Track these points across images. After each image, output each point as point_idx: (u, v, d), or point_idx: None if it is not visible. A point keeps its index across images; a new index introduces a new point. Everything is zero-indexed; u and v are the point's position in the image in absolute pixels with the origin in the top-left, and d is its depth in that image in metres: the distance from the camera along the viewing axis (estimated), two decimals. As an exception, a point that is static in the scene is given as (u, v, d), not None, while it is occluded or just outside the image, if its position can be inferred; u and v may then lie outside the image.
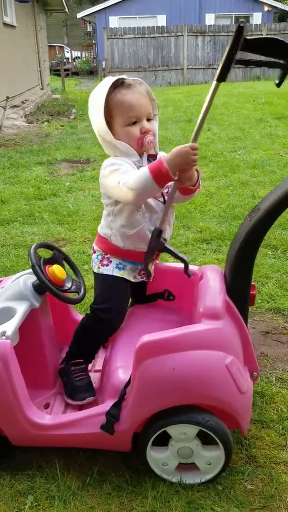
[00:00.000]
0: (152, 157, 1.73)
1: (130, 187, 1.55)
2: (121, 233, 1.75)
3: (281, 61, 1.46)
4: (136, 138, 1.66)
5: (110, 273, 1.80)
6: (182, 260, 1.72)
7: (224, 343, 1.52)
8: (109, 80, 1.65)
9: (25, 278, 1.74)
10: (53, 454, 1.76)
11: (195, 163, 1.52)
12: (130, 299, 2.15)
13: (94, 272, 1.87)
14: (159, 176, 1.51)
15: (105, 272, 1.81)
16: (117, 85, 1.65)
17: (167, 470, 1.63)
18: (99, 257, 1.84)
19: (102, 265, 1.82)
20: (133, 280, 1.86)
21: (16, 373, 1.54)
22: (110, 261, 1.82)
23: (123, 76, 1.68)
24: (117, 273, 1.80)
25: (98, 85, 1.70)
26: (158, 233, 1.70)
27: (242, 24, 1.30)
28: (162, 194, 1.75)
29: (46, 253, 1.97)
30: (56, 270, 1.69)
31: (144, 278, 1.89)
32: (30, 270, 1.79)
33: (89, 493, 1.64)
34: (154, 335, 1.52)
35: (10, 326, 1.57)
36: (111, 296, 1.80)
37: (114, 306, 1.79)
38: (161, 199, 1.74)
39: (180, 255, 1.71)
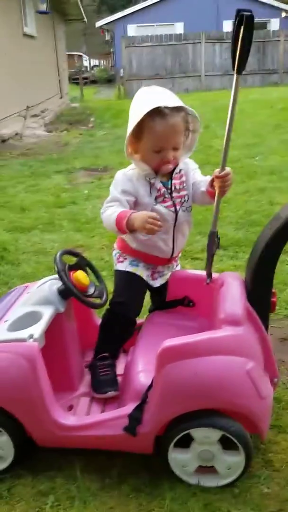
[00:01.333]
0: (166, 176, 1.85)
1: (103, 218, 1.81)
2: (132, 237, 1.89)
3: None
4: (156, 164, 1.78)
5: (124, 269, 1.95)
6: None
7: (245, 349, 1.56)
8: (146, 99, 1.70)
9: (51, 284, 1.80)
10: (73, 456, 1.80)
11: (153, 231, 1.65)
12: (151, 305, 2.21)
13: (113, 270, 2.02)
14: (120, 228, 1.72)
15: (120, 268, 1.97)
16: (154, 110, 1.67)
17: (187, 471, 1.66)
18: (117, 254, 2.02)
19: (118, 262, 1.99)
20: (145, 278, 1.95)
21: (42, 375, 1.60)
22: (125, 259, 1.97)
23: (163, 104, 1.66)
24: (130, 269, 1.95)
25: (137, 96, 1.77)
26: (213, 235, 1.86)
27: (250, 13, 1.36)
28: (174, 204, 1.84)
29: (68, 259, 2.03)
30: (80, 276, 1.74)
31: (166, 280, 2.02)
32: (55, 276, 1.86)
33: (108, 494, 1.68)
34: (176, 340, 1.57)
35: (37, 329, 1.63)
36: (125, 290, 1.93)
37: (128, 299, 1.91)
38: (172, 209, 1.85)
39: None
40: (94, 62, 29.33)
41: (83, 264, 1.88)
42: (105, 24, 24.35)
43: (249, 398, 1.54)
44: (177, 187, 1.86)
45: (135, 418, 1.60)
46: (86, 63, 28.70)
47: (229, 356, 1.54)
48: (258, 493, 1.66)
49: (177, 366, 1.53)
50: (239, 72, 1.51)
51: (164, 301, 2.10)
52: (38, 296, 1.78)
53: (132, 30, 21.88)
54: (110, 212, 1.76)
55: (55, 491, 1.69)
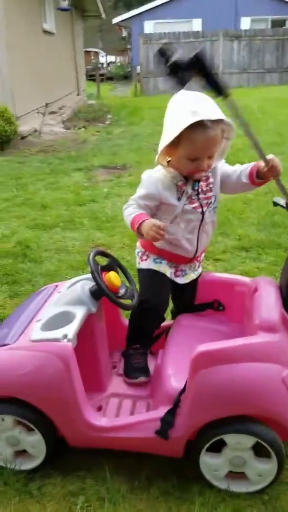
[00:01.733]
0: (196, 181, 1.84)
1: (123, 214, 1.88)
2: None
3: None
4: (189, 171, 1.78)
5: (148, 267, 1.97)
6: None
7: (281, 356, 1.54)
8: (187, 108, 1.65)
9: (83, 284, 1.81)
10: (102, 457, 1.81)
11: (156, 239, 1.71)
12: (173, 307, 2.21)
13: (137, 269, 2.03)
14: (133, 230, 1.80)
15: (143, 267, 1.99)
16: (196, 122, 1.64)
17: (217, 476, 1.66)
18: (139, 253, 2.03)
19: (142, 260, 2.01)
20: (168, 275, 1.96)
21: (76, 375, 1.62)
22: (148, 257, 1.99)
23: (205, 117, 1.63)
24: (154, 266, 1.96)
25: (177, 101, 1.72)
26: None
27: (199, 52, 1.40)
28: (201, 205, 1.86)
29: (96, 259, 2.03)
30: (112, 277, 1.74)
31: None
32: (86, 276, 1.86)
33: (137, 496, 1.68)
34: (211, 345, 1.56)
35: (71, 330, 1.64)
36: (150, 287, 1.95)
37: (154, 295, 1.93)
38: (200, 210, 1.86)
39: None
40: (111, 58, 29.31)
41: (114, 265, 1.89)
42: (122, 20, 24.28)
43: (284, 405, 1.53)
44: (204, 189, 1.87)
45: (167, 421, 1.60)
46: (102, 60, 28.66)
47: (264, 363, 1.53)
48: (287, 501, 1.65)
49: (211, 371, 1.53)
50: (226, 95, 1.50)
51: (190, 303, 2.10)
52: (71, 296, 1.79)
53: (149, 26, 21.79)
54: (128, 212, 1.85)
55: (85, 491, 1.70)
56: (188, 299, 2.11)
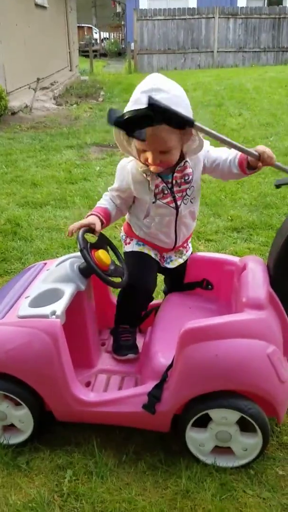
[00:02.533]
0: (168, 169, 1.74)
1: None
2: (135, 226, 1.95)
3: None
4: (144, 163, 1.70)
5: (132, 249, 1.98)
6: None
7: (266, 333, 1.55)
8: (140, 92, 1.54)
9: (72, 262, 1.80)
10: (91, 432, 1.83)
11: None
12: (164, 287, 2.21)
13: (123, 252, 2.05)
14: None
15: (128, 250, 2.01)
16: None
17: (203, 451, 1.68)
18: (123, 237, 2.06)
19: (126, 244, 2.03)
20: (153, 256, 1.96)
21: (64, 350, 1.62)
22: (132, 239, 2.00)
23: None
24: (137, 248, 1.98)
25: (142, 83, 1.59)
26: None
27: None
28: (175, 199, 1.80)
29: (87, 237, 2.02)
30: (102, 255, 1.73)
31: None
32: (75, 254, 1.85)
33: (125, 470, 1.71)
34: (198, 322, 1.57)
35: (59, 306, 1.64)
36: (135, 269, 1.93)
37: (139, 277, 1.90)
38: (173, 205, 1.81)
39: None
40: (105, 34, 28.66)
41: (104, 242, 1.87)
42: (117, -5, 23.72)
43: (269, 381, 1.55)
44: (179, 181, 1.78)
45: (154, 396, 1.61)
46: (96, 36, 28.03)
47: (250, 339, 1.54)
48: (273, 475, 1.68)
49: (198, 348, 1.54)
50: (192, 124, 1.42)
51: (180, 283, 2.10)
52: (59, 274, 1.78)
53: (144, 2, 21.27)
54: (97, 203, 1.91)
55: (73, 465, 1.72)
56: (179, 280, 2.11)
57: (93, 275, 1.77)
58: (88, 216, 1.83)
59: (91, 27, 28.28)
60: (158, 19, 17.00)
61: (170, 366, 1.62)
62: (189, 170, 1.78)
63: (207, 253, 2.18)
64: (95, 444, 1.78)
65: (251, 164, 1.67)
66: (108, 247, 1.88)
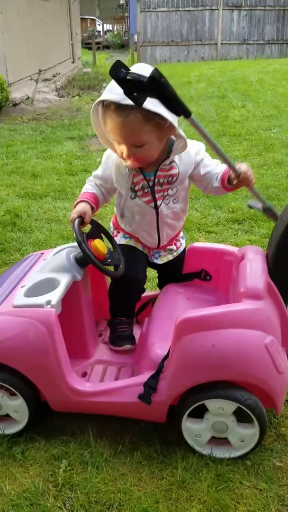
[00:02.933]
0: (152, 166, 1.69)
1: None
2: (120, 220, 1.93)
3: None
4: (119, 154, 1.63)
5: (119, 242, 1.94)
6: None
7: (264, 323, 1.53)
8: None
9: (68, 252, 1.78)
10: (87, 422, 1.82)
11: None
12: (162, 281, 2.18)
13: None
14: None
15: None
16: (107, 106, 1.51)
17: (199, 442, 1.67)
18: (111, 229, 2.03)
19: (114, 236, 1.98)
20: (140, 249, 1.93)
21: (59, 340, 1.60)
22: (119, 232, 1.98)
23: (113, 99, 1.46)
24: (124, 241, 1.95)
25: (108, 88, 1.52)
26: (267, 210, 1.77)
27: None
28: (155, 198, 1.74)
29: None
30: (98, 245, 1.71)
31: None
32: (72, 244, 1.83)
33: (120, 460, 1.69)
34: (195, 312, 1.55)
35: (55, 296, 1.62)
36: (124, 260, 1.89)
37: (128, 269, 1.83)
38: (152, 204, 1.76)
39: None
40: (108, 26, 28.45)
41: (100, 232, 1.85)
42: (120, -14, 23.52)
43: (266, 372, 1.53)
44: (161, 180, 1.71)
45: (150, 386, 1.60)
46: (99, 28, 27.84)
47: (248, 329, 1.52)
48: (270, 466, 1.67)
49: (194, 338, 1.52)
50: (188, 115, 1.36)
51: (173, 278, 2.07)
52: (55, 263, 1.76)
53: (148, -7, 21.12)
54: (83, 188, 1.86)
55: (68, 455, 1.71)
56: (171, 276, 2.07)
57: (89, 265, 1.75)
58: (78, 203, 1.78)
59: (94, 19, 28.10)
60: (161, 11, 16.87)
61: (167, 356, 1.60)
62: (174, 171, 1.71)
63: (205, 243, 2.14)
64: (90, 434, 1.77)
65: (230, 179, 1.65)
66: (103, 235, 1.86)
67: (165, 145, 1.64)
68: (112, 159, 1.76)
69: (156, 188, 1.72)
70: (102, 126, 1.60)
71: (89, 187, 1.86)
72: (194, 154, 1.73)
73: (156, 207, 1.76)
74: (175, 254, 2.00)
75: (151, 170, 1.69)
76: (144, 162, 1.64)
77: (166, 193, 1.74)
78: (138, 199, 1.75)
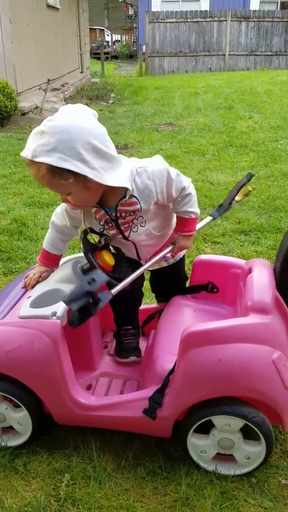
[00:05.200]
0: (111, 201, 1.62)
1: None
2: None
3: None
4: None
5: None
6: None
7: (272, 338, 1.51)
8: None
9: (75, 262, 1.78)
10: (90, 435, 1.80)
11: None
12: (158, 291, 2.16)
13: None
14: None
15: None
16: None
17: (204, 458, 1.64)
18: None
19: None
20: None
21: (64, 353, 1.59)
22: None
23: (23, 154, 1.41)
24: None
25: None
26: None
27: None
28: (121, 231, 1.68)
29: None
30: (105, 256, 1.70)
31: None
32: (78, 254, 1.82)
33: (123, 475, 1.67)
34: (201, 325, 1.53)
35: (60, 307, 1.61)
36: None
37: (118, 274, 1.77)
38: (120, 236, 1.71)
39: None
40: (116, 37, 28.74)
41: (108, 243, 1.84)
42: (129, -3, 23.77)
43: (274, 388, 1.50)
44: (123, 214, 1.63)
45: (155, 401, 1.58)
46: (108, 38, 28.13)
47: (255, 344, 1.50)
48: (275, 484, 1.64)
49: (201, 352, 1.50)
50: None
51: (171, 284, 2.04)
52: (62, 274, 1.76)
53: (156, 5, 21.29)
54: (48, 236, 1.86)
55: (70, 469, 1.69)
56: (165, 283, 2.03)
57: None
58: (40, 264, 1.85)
59: (103, 29, 28.38)
60: (170, 22, 17.00)
61: (173, 370, 1.58)
62: (136, 206, 1.60)
63: (212, 255, 2.13)
64: (94, 448, 1.75)
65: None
66: (111, 246, 1.85)
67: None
68: None
69: (120, 221, 1.66)
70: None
71: (47, 237, 1.87)
72: (154, 188, 1.59)
73: (125, 237, 1.71)
74: (171, 261, 1.94)
75: (111, 205, 1.62)
76: (82, 207, 1.61)
77: (131, 224, 1.68)
78: (107, 232, 1.71)
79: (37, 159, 1.37)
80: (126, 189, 1.53)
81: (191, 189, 1.68)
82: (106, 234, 1.72)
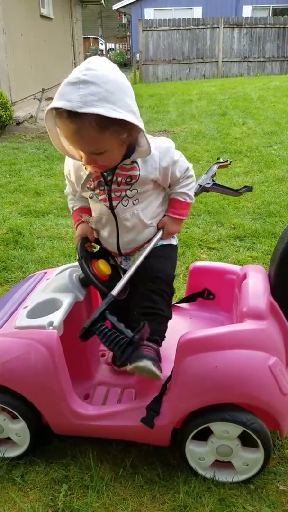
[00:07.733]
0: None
1: None
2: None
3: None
4: (79, 159, 1.49)
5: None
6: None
7: (268, 343, 1.52)
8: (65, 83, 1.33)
9: (71, 271, 1.77)
10: (87, 445, 1.79)
11: None
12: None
13: None
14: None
15: None
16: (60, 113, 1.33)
17: (203, 465, 1.64)
18: None
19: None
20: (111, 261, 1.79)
21: (61, 363, 1.58)
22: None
23: (64, 106, 1.28)
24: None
25: (72, 72, 1.36)
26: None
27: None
28: (110, 198, 1.59)
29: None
30: (101, 265, 1.69)
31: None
32: (75, 263, 1.82)
33: (121, 484, 1.67)
34: (197, 332, 1.54)
35: (57, 317, 1.61)
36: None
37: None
38: (107, 204, 1.61)
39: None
40: (110, 45, 28.96)
41: (105, 252, 1.84)
42: (122, 7, 23.92)
43: (271, 394, 1.51)
44: (119, 179, 1.55)
45: (153, 409, 1.57)
46: (101, 47, 28.33)
47: (251, 350, 1.51)
48: (274, 490, 1.64)
49: (197, 359, 1.51)
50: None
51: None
52: (58, 284, 1.75)
53: (149, 13, 21.49)
54: (69, 204, 1.82)
55: (68, 479, 1.68)
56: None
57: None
58: (76, 226, 1.75)
59: (97, 38, 28.58)
60: (163, 30, 17.12)
61: (169, 378, 1.58)
62: (135, 172, 1.53)
63: (207, 262, 2.14)
64: (91, 457, 1.74)
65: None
66: (110, 258, 1.85)
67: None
68: (69, 167, 1.67)
69: (113, 187, 1.56)
70: (59, 133, 1.45)
71: (70, 203, 1.82)
72: (159, 159, 1.56)
73: (112, 207, 1.60)
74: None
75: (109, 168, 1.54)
76: (106, 168, 1.51)
77: (124, 193, 1.58)
78: (96, 197, 1.61)
79: (84, 110, 1.24)
80: (127, 152, 1.47)
81: (193, 172, 1.70)
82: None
